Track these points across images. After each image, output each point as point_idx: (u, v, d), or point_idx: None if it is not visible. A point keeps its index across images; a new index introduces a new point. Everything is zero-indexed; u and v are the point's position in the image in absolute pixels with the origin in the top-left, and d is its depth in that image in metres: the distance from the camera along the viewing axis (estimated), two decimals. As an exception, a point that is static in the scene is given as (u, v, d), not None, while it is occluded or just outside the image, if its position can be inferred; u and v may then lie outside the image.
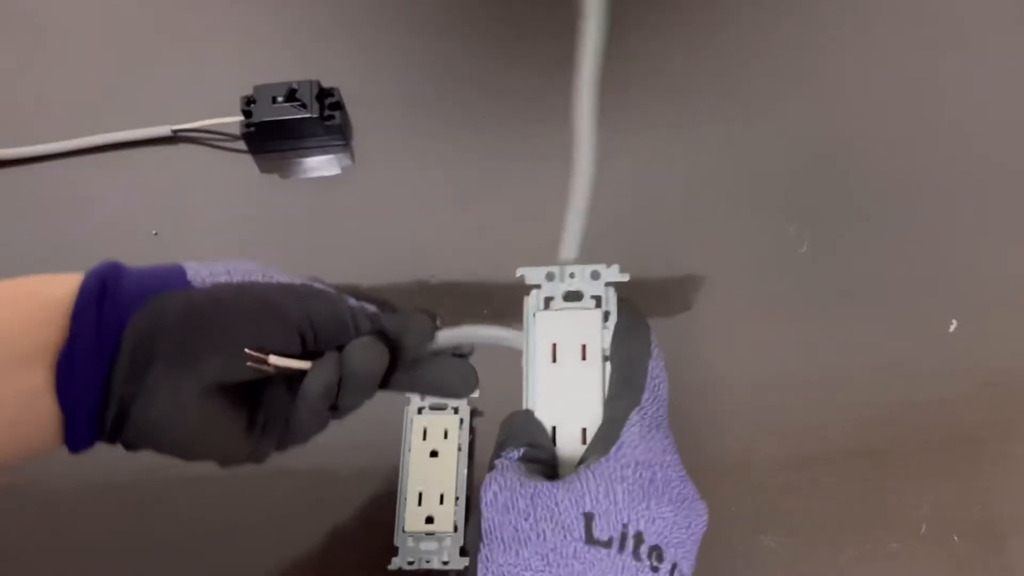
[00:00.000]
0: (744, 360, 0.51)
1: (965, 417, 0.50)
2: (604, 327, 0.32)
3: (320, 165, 0.57)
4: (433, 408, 0.47)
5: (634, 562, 0.28)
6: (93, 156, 0.57)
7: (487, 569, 0.29)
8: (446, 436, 0.46)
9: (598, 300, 0.33)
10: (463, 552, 0.45)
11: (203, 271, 0.33)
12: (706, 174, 0.52)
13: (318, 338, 0.34)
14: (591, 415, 0.32)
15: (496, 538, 0.29)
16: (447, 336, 0.36)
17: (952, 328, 0.52)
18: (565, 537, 0.28)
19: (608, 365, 0.32)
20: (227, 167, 0.57)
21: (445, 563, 0.44)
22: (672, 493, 0.30)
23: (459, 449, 0.46)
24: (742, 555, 0.46)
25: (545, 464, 0.31)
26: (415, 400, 0.48)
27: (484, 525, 0.29)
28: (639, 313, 0.33)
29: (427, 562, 0.44)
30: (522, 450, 0.31)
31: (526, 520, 0.29)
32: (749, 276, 0.53)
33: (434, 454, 0.46)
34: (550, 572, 0.28)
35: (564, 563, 0.28)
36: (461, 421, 0.47)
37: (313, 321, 0.34)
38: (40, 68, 0.60)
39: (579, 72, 0.37)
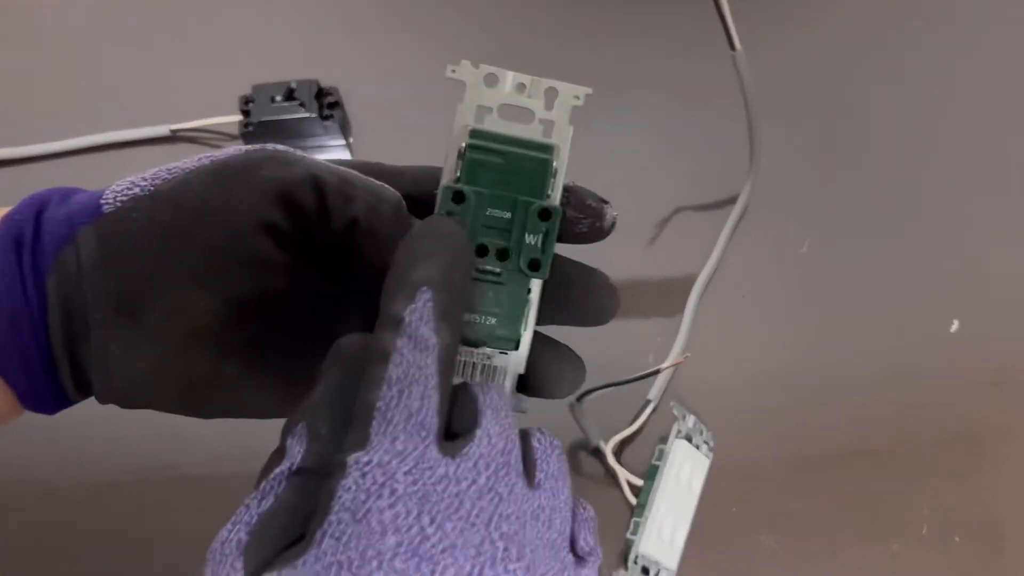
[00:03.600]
0: (744, 360, 0.51)
1: (966, 418, 0.49)
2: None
3: (319, 165, 0.57)
4: None
5: None
6: (92, 156, 0.57)
7: None
8: None
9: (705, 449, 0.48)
10: None
11: (119, 186, 0.27)
12: (706, 174, 0.52)
13: (308, 220, 0.26)
14: (687, 514, 0.47)
15: None
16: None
17: (954, 328, 0.51)
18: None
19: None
20: (226, 167, 0.57)
21: None
22: None
23: None
24: (742, 555, 0.46)
25: None
26: None
27: None
28: None
29: None
30: None
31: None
32: (749, 276, 0.53)
33: None
34: None
35: None
36: None
37: (286, 194, 0.26)
38: (39, 68, 0.60)
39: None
